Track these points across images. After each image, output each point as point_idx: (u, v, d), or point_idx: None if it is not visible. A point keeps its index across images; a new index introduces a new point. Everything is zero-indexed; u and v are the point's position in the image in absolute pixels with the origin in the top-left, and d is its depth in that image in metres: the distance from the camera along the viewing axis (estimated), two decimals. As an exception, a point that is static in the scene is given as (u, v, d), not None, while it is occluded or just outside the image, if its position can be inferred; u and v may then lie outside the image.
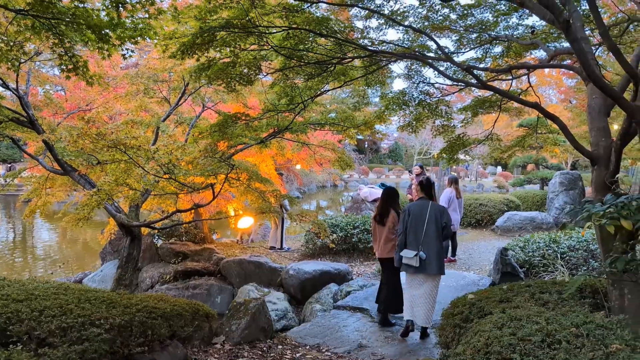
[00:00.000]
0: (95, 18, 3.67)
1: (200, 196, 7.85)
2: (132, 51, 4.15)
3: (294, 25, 5.10)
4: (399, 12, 6.44)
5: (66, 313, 3.99)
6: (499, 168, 48.55)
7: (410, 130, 7.24)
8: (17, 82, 5.44)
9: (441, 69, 7.52)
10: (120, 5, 3.58)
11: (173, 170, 4.53)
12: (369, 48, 5.16)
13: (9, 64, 4.18)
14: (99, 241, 17.06)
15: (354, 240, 10.12)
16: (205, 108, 7.71)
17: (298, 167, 24.19)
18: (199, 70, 4.79)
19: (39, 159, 6.47)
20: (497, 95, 7.17)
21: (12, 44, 4.11)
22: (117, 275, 5.75)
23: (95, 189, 4.72)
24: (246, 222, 11.18)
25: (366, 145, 55.05)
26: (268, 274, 9.53)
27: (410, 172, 11.22)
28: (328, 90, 6.85)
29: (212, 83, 5.15)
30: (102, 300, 4.45)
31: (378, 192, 12.25)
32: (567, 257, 8.45)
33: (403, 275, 6.24)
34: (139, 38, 3.92)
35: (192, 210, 7.46)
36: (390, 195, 6.64)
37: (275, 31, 5.08)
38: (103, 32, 3.79)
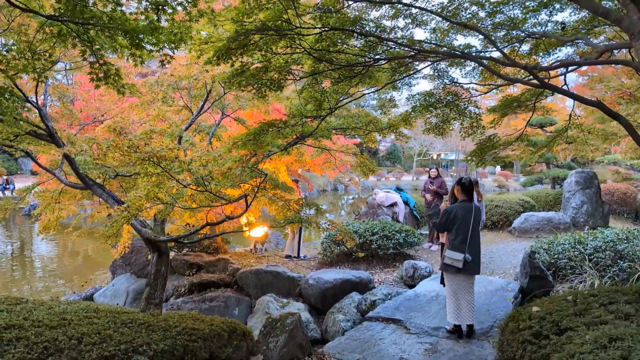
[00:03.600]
0: (132, 22, 3.40)
1: (229, 207, 7.59)
2: (171, 57, 3.89)
3: (327, 27, 4.87)
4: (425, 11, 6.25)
5: (106, 340, 3.71)
6: (498, 167, 48.46)
7: (437, 132, 7.02)
8: (36, 93, 5.16)
9: (468, 68, 7.36)
10: (160, 8, 3.31)
11: (210, 182, 4.27)
12: (413, 47, 4.91)
13: (35, 74, 3.91)
14: (102, 253, 16.75)
15: (373, 247, 9.85)
16: (225, 115, 7.43)
17: (299, 170, 23.89)
18: (233, 76, 4.54)
19: (55, 173, 6.18)
20: (526, 94, 7.00)
21: (38, 53, 3.84)
22: (146, 294, 5.45)
23: (124, 204, 4.44)
24: (260, 230, 10.91)
25: (364, 148, 54.81)
26: (286, 284, 9.29)
27: (429, 176, 10.96)
28: (361, 95, 6.62)
29: (243, 89, 4.89)
30: (140, 323, 4.18)
31: (394, 197, 12.02)
32: (595, 259, 8.21)
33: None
34: (174, 43, 3.66)
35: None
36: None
37: (309, 33, 4.83)
38: (139, 37, 3.53)
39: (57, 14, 3.49)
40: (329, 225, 6.74)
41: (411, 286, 8.77)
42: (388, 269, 9.88)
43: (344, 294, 8.55)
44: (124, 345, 3.67)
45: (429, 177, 11.20)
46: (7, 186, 26.12)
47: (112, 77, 3.92)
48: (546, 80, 6.97)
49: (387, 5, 6.02)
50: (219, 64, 4.19)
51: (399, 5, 6.10)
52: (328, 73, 5.72)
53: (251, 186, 5.76)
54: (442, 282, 7.40)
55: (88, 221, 10.50)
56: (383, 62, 5.31)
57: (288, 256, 10.78)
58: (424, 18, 6.43)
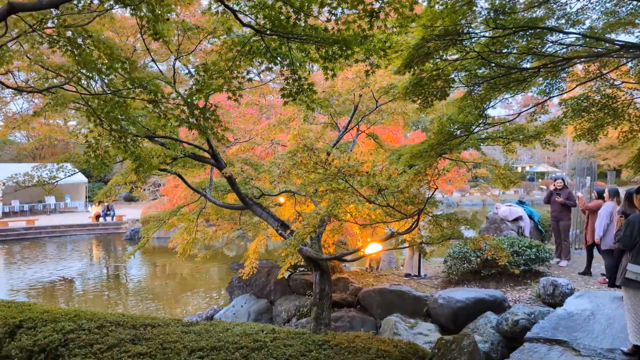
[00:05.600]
0: (342, 32, 3.29)
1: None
2: (377, 66, 3.78)
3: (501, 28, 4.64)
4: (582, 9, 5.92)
5: (317, 363, 3.58)
6: (588, 179, 45.91)
7: (590, 138, 6.55)
8: (204, 115, 5.23)
9: (624, 68, 6.87)
10: (374, 14, 3.18)
11: (397, 197, 4.10)
12: (616, 42, 4.57)
13: (230, 94, 3.90)
14: (196, 276, 17.07)
15: (502, 263, 9.35)
16: (359, 132, 7.30)
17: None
18: (412, 86, 4.38)
19: (207, 194, 6.25)
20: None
21: (235, 72, 3.83)
22: (314, 314, 5.34)
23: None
24: (375, 248, 10.68)
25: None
26: (412, 304, 8.98)
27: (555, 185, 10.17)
28: (535, 105, 6.33)
29: (414, 99, 4.72)
30: (333, 345, 4.03)
31: (518, 210, 11.44)
32: None
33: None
34: (383, 51, 3.52)
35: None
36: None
37: (483, 35, 4.62)
38: (349, 48, 3.41)
39: (263, 30, 3.45)
40: (479, 240, 6.40)
41: (551, 304, 8.20)
42: (519, 286, 9.33)
43: (477, 313, 8.16)
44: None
45: (555, 188, 10.56)
46: (108, 212, 27.43)
47: (304, 92, 3.84)
48: None
49: (542, 7, 5.73)
50: (404, 73, 4.04)
51: (554, 5, 5.82)
52: (498, 80, 5.47)
53: (427, 200, 5.53)
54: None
55: (207, 243, 10.66)
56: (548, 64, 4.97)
57: (407, 275, 10.45)
58: (579, 17, 6.06)
